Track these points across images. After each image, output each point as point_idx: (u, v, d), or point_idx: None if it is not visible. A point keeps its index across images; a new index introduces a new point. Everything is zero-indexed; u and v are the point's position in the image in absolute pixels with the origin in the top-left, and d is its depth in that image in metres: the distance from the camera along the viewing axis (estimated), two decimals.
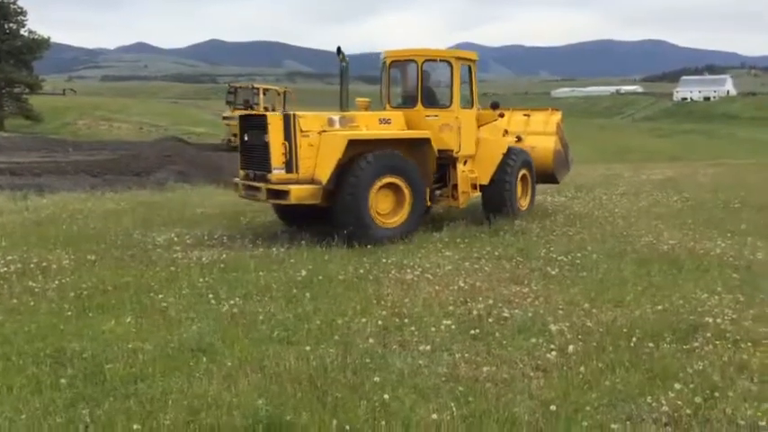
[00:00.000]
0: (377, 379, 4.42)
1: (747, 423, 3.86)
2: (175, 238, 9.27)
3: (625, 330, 5.44)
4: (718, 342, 5.17)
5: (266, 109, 30.18)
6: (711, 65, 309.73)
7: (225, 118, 30.78)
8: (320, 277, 7.15)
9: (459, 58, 10.60)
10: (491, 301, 6.31)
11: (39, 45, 54.18)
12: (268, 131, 9.08)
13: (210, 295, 6.44)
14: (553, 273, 7.55)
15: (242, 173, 9.98)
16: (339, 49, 10.50)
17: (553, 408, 4.04)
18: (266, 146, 9.12)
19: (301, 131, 9.15)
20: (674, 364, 4.73)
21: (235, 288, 6.75)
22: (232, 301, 6.24)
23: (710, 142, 63.88)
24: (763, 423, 3.83)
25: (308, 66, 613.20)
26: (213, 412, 3.94)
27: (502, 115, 11.83)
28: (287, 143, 9.09)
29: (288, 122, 9.12)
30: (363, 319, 5.73)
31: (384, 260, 8.04)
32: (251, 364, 4.73)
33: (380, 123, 10.22)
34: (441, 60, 10.54)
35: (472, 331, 5.47)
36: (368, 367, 4.69)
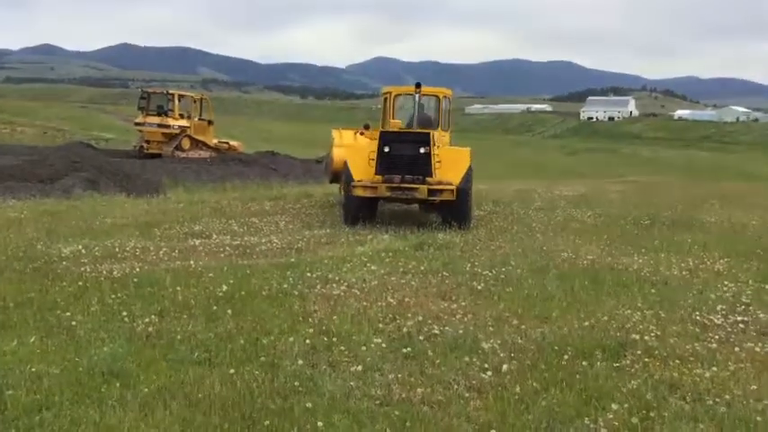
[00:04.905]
0: (308, 404, 4.18)
1: None
2: (83, 251, 8.69)
3: (556, 348, 5.40)
4: (647, 360, 5.20)
5: (181, 116, 29.28)
6: (616, 86, 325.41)
7: (137, 124, 29.63)
8: (242, 293, 6.81)
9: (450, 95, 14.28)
10: (420, 318, 6.16)
11: None
12: (431, 145, 11.63)
13: (123, 313, 6.00)
14: (479, 288, 7.50)
15: (379, 177, 11.76)
16: (419, 84, 12.64)
17: None
18: (428, 156, 11.66)
19: (435, 145, 11.77)
20: (608, 383, 4.71)
21: (150, 304, 6.33)
22: (147, 319, 5.84)
23: (615, 160, 66.78)
24: None
25: (223, 73, 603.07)
26: None
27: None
28: (435, 155, 11.71)
29: (434, 138, 11.81)
30: (290, 338, 5.46)
31: (309, 274, 7.77)
32: (170, 389, 4.39)
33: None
34: (449, 97, 14.04)
35: (404, 350, 5.30)
36: (297, 391, 4.43)
